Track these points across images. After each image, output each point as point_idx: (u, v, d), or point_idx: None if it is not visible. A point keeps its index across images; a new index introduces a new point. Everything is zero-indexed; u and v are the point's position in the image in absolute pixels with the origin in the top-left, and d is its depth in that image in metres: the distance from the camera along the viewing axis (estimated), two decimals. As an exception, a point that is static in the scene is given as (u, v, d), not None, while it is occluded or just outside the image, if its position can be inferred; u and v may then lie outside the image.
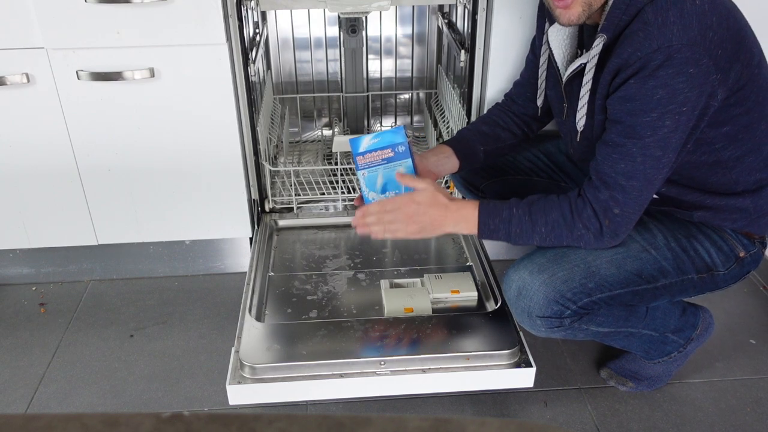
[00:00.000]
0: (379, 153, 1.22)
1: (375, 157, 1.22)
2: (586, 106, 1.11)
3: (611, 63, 1.03)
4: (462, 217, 1.15)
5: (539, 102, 1.30)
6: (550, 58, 1.21)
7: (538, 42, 1.28)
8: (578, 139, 1.18)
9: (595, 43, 1.05)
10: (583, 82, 1.09)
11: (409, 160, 1.22)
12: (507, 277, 1.21)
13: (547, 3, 1.07)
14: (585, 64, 1.08)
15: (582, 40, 1.17)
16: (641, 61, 0.98)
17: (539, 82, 1.27)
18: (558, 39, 1.17)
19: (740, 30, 1.02)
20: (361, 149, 1.22)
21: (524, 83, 1.37)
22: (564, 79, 1.16)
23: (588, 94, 1.10)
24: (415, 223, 1.15)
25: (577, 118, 1.14)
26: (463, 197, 1.73)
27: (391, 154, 1.22)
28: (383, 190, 1.23)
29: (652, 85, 0.98)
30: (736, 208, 1.15)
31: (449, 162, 1.33)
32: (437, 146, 1.36)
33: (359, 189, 1.25)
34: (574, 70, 1.11)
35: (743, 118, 1.06)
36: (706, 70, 0.97)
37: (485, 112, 1.47)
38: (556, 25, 1.16)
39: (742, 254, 1.18)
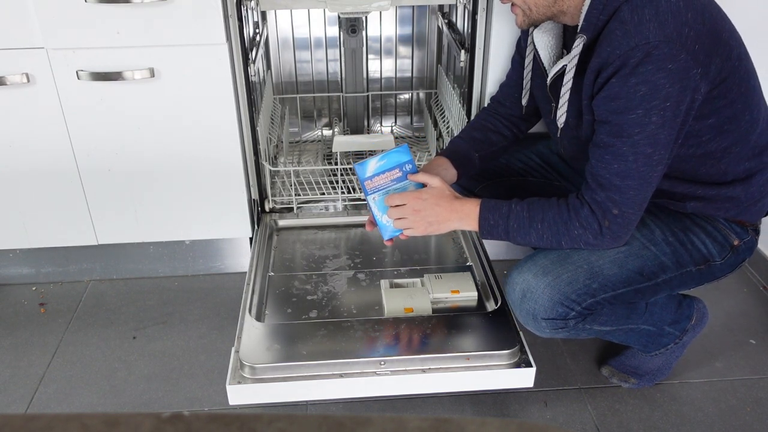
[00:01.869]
0: (387, 175, 1.21)
1: (383, 179, 1.21)
2: (566, 104, 1.13)
3: (592, 63, 1.05)
4: (465, 214, 1.18)
5: (524, 101, 1.32)
6: (536, 59, 1.22)
7: (523, 43, 1.30)
8: (558, 136, 1.20)
9: (575, 44, 1.07)
10: (564, 82, 1.11)
11: None
12: (510, 280, 1.21)
13: None
14: (566, 65, 1.10)
15: (566, 41, 1.19)
16: (621, 59, 0.99)
17: (524, 82, 1.29)
18: (543, 41, 1.19)
19: (716, 25, 1.03)
20: (368, 173, 1.20)
21: (511, 84, 1.38)
22: (549, 80, 1.17)
23: (569, 92, 1.11)
24: (422, 219, 1.18)
25: (558, 115, 1.15)
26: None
27: (400, 174, 1.21)
28: None
29: (633, 83, 0.99)
30: (727, 197, 1.17)
31: (448, 173, 1.33)
32: (434, 159, 1.36)
33: (371, 213, 1.23)
34: (556, 73, 1.14)
35: (727, 110, 1.08)
36: (685, 66, 0.99)
37: (474, 116, 1.48)
38: (541, 27, 1.19)
39: (736, 243, 1.20)
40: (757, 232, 1.24)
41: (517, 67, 1.34)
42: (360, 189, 1.79)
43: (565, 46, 1.19)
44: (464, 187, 1.54)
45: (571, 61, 1.08)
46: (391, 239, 1.25)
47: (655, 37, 0.97)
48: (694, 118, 1.06)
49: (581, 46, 1.06)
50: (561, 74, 1.13)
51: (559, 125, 1.16)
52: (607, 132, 1.05)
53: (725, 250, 1.20)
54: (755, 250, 1.25)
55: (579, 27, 1.06)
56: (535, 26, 1.19)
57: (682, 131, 1.06)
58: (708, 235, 1.19)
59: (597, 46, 1.04)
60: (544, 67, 1.20)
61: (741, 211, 1.19)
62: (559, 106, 1.14)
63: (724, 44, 1.04)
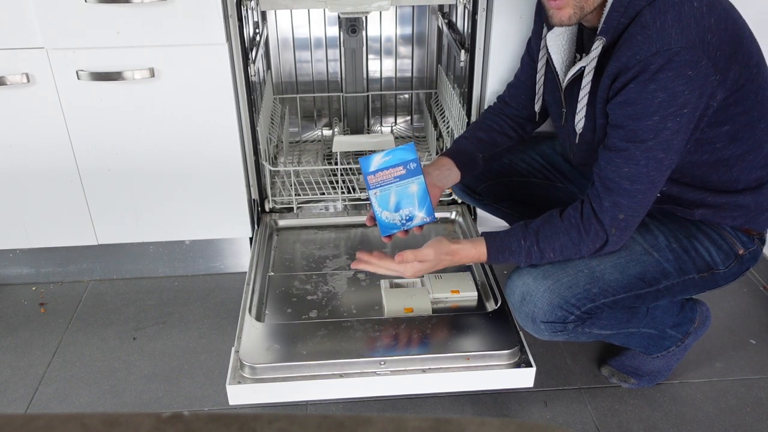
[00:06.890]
0: (391, 171, 1.21)
1: (387, 175, 1.21)
2: (585, 108, 1.11)
3: (610, 66, 1.03)
4: (470, 257, 1.20)
5: (537, 107, 1.30)
6: (548, 63, 1.20)
7: (534, 44, 1.27)
8: (577, 142, 1.18)
9: (594, 46, 1.05)
10: (582, 85, 1.09)
11: (421, 176, 1.21)
12: (510, 282, 1.21)
13: (543, 2, 1.07)
14: (584, 68, 1.08)
15: (581, 44, 1.16)
16: (641, 65, 0.98)
17: (537, 87, 1.27)
18: (557, 44, 1.17)
19: (738, 31, 1.02)
20: (372, 168, 1.20)
21: (519, 85, 1.36)
22: (564, 84, 1.15)
23: (587, 96, 1.10)
24: (431, 270, 1.22)
25: (576, 121, 1.14)
26: (461, 201, 1.73)
27: (403, 172, 1.21)
28: (396, 209, 1.22)
29: (652, 89, 0.98)
30: (737, 206, 1.16)
31: (451, 174, 1.33)
32: (437, 159, 1.36)
33: (371, 208, 1.24)
34: (573, 75, 1.11)
35: (743, 118, 1.07)
36: (705, 72, 0.97)
37: (479, 115, 1.47)
38: (554, 30, 1.16)
39: (741, 252, 1.19)
40: (762, 241, 1.22)
41: (527, 68, 1.33)
42: (361, 188, 1.80)
43: (578, 50, 1.17)
44: (467, 186, 1.53)
45: (589, 63, 1.06)
46: (389, 236, 1.25)
47: (677, 44, 0.95)
48: (708, 125, 1.05)
49: (600, 48, 1.04)
50: (575, 77, 1.11)
51: (577, 131, 1.14)
52: (620, 136, 1.04)
53: (730, 259, 1.18)
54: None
55: (598, 29, 1.04)
56: (549, 28, 1.17)
57: (693, 136, 1.05)
58: (713, 243, 1.18)
59: (616, 50, 1.02)
60: (556, 72, 1.18)
61: (749, 219, 1.17)
62: (577, 111, 1.12)
63: (745, 51, 1.02)
